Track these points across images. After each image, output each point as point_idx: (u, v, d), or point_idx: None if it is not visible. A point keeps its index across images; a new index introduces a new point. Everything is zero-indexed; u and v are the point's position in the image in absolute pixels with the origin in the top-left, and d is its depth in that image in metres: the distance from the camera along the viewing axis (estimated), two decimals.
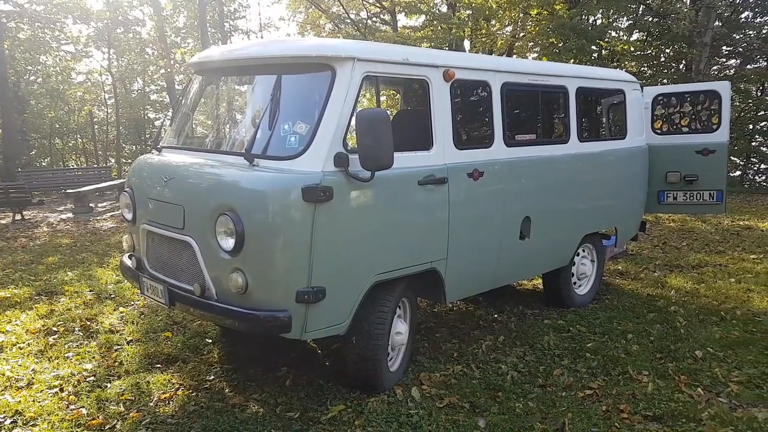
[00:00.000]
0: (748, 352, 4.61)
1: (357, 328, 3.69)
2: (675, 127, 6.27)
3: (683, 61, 19.29)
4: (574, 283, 5.69)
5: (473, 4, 18.19)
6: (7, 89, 19.00)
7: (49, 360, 4.55)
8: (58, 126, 25.85)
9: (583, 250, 5.71)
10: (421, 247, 3.94)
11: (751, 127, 20.30)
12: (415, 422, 3.56)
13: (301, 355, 4.61)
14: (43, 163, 25.39)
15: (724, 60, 20.75)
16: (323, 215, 3.31)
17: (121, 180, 16.59)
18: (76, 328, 5.24)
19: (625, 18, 20.45)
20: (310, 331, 3.45)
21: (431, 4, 20.46)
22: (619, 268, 7.28)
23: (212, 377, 4.22)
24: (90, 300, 6.14)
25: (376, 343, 3.74)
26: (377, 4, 20.44)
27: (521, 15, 19.23)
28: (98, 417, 3.65)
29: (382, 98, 8.88)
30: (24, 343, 4.92)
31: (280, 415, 3.67)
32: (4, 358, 4.58)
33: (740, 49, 19.87)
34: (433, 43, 18.25)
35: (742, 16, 19.48)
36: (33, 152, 24.65)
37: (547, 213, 4.94)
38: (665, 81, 18.40)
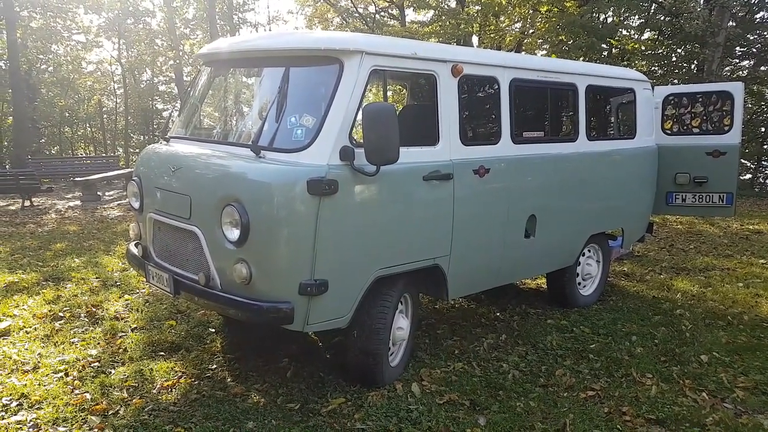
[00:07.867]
0: (755, 358, 4.56)
1: (358, 322, 3.70)
2: (685, 127, 6.18)
3: (695, 62, 19.07)
4: (579, 284, 5.66)
5: (482, 0, 18.10)
6: (19, 78, 19.09)
7: (54, 345, 4.59)
8: (67, 115, 25.96)
9: (589, 250, 5.67)
10: (424, 243, 3.94)
11: (763, 129, 20.12)
12: (414, 418, 3.56)
13: (303, 347, 4.62)
14: (52, 151, 25.52)
15: (737, 61, 20.50)
16: (328, 208, 3.31)
17: (129, 169, 16.66)
18: (82, 314, 5.28)
19: (637, 16, 20.26)
20: (312, 323, 3.46)
21: None
22: (625, 269, 7.25)
23: (214, 366, 4.24)
24: (96, 287, 6.18)
25: (378, 337, 3.75)
26: None
27: (531, 11, 19.08)
28: (102, 402, 3.68)
29: (389, 92, 8.86)
30: (31, 327, 4.96)
31: (280, 406, 3.69)
32: (11, 342, 4.63)
33: (754, 50, 19.60)
34: (441, 39, 18.20)
35: (757, 16, 19.22)
36: (43, 140, 24.79)
37: (553, 212, 4.91)
38: (676, 81, 18.26)
